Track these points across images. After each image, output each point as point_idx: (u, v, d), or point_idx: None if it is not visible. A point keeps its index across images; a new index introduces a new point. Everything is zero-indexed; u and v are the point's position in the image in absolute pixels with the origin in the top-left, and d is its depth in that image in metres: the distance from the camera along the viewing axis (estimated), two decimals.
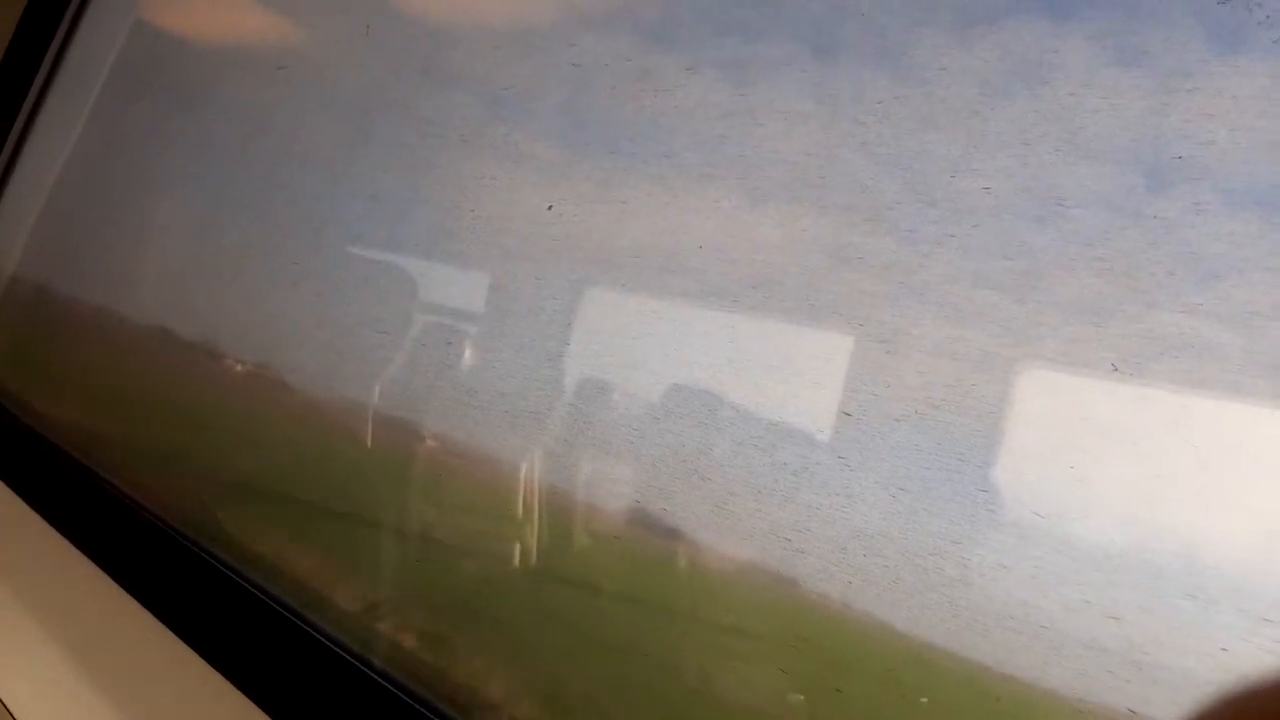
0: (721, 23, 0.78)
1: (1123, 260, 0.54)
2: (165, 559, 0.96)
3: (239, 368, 1.14)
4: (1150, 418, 0.53)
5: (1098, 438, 0.53)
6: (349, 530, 0.92)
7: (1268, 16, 0.54)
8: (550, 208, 0.83)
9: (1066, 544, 0.52)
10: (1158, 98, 0.56)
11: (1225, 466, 0.50)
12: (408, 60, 1.03)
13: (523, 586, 0.80)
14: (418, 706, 0.73)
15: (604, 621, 0.72)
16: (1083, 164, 0.56)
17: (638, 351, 0.73)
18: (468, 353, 0.84)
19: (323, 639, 0.80)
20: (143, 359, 1.29)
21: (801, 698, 0.59)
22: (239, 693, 0.78)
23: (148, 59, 1.62)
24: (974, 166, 0.61)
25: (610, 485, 0.71)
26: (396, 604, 0.85)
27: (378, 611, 0.85)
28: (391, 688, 0.75)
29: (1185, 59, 0.56)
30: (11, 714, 0.84)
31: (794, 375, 0.64)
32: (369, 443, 0.94)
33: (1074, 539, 0.52)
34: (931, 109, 0.64)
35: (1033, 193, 0.58)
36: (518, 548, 0.80)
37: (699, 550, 0.66)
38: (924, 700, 0.55)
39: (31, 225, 1.72)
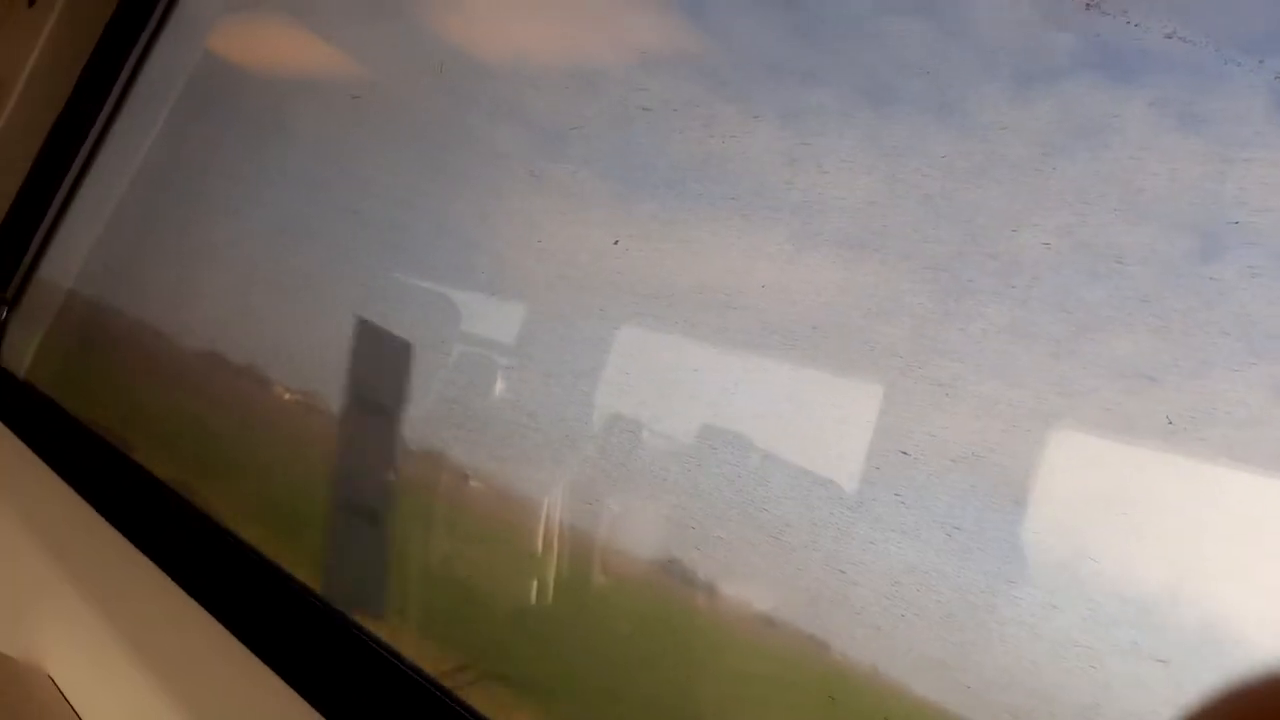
0: (788, 74, 0.82)
1: (1179, 320, 0.56)
2: (221, 559, 0.99)
3: (286, 395, 1.18)
4: (1200, 475, 0.55)
5: (1150, 488, 0.56)
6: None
7: None
8: (616, 242, 0.87)
9: (1117, 588, 0.54)
10: (1215, 165, 0.59)
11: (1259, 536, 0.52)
12: (479, 97, 1.07)
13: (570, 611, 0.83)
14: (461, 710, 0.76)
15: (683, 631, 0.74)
16: (1142, 224, 0.59)
17: (697, 383, 0.76)
18: (529, 378, 0.88)
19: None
20: (201, 380, 1.33)
21: None
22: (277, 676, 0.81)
23: (217, 85, 1.69)
24: (1034, 222, 0.63)
25: (666, 512, 0.74)
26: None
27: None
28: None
29: (1243, 129, 0.58)
30: (74, 708, 0.87)
31: (852, 413, 0.66)
32: (411, 465, 0.97)
33: (1125, 584, 0.54)
34: (993, 165, 0.67)
35: (1092, 249, 0.60)
36: (552, 574, 0.83)
37: (749, 579, 0.68)
38: None
39: (92, 243, 1.78)
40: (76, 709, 0.86)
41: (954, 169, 0.68)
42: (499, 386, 0.89)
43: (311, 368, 1.15)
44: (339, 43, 1.41)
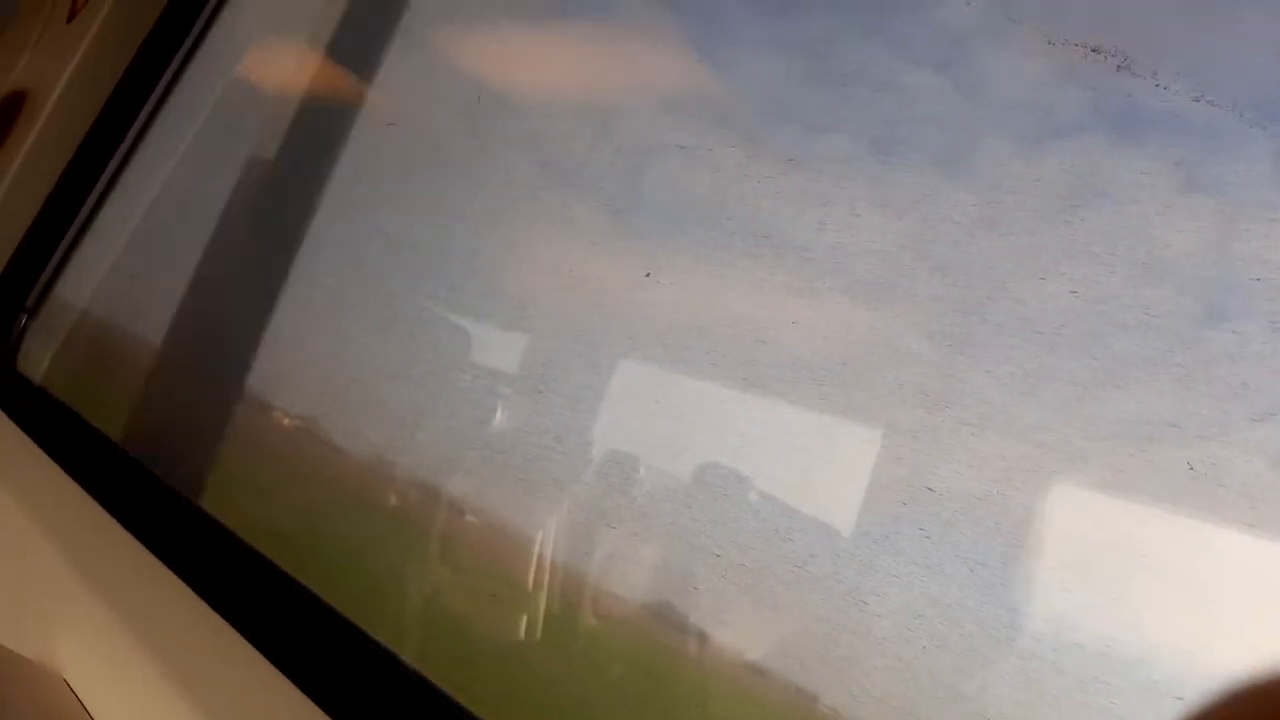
0: (826, 121, 0.85)
1: (1203, 370, 0.59)
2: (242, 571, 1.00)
3: (287, 421, 1.20)
4: (1220, 522, 0.57)
5: (1171, 533, 0.58)
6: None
7: None
8: (648, 274, 0.89)
9: (1138, 627, 0.56)
10: (1239, 224, 0.62)
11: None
12: (516, 129, 1.10)
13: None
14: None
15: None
16: (1168, 278, 0.61)
17: (724, 414, 0.78)
18: (556, 402, 0.89)
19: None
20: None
21: None
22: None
23: (249, 104, 1.73)
24: (1062, 271, 0.66)
25: (701, 540, 0.75)
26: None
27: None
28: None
29: (1265, 192, 0.61)
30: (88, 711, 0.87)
31: (881, 448, 0.68)
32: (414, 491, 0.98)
33: (1144, 623, 0.56)
34: (1025, 215, 0.70)
35: (1120, 300, 0.63)
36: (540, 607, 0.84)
37: (774, 608, 0.69)
38: None
39: (112, 262, 1.80)
40: (92, 714, 0.86)
41: (985, 217, 0.71)
42: (523, 409, 0.91)
43: (315, 393, 1.17)
44: (373, 70, 1.44)
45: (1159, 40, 0.68)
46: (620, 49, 1.10)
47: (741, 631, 0.73)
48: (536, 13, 1.23)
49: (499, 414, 0.93)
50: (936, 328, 0.70)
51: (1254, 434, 0.57)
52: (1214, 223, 0.63)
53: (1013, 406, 0.64)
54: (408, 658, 0.87)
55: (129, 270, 1.70)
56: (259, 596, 0.98)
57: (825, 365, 0.74)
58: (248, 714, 0.83)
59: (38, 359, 1.67)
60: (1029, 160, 0.73)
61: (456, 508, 0.96)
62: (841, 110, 0.83)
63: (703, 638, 0.75)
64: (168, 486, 1.22)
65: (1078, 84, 0.73)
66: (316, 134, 1.42)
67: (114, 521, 1.13)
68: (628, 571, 0.82)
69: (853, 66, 0.87)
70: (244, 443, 1.30)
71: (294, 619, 0.94)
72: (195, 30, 1.94)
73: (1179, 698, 0.53)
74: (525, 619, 0.86)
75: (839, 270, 0.77)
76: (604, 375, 0.88)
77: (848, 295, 0.76)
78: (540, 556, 0.86)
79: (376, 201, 1.22)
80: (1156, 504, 0.57)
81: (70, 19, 2.08)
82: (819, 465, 0.71)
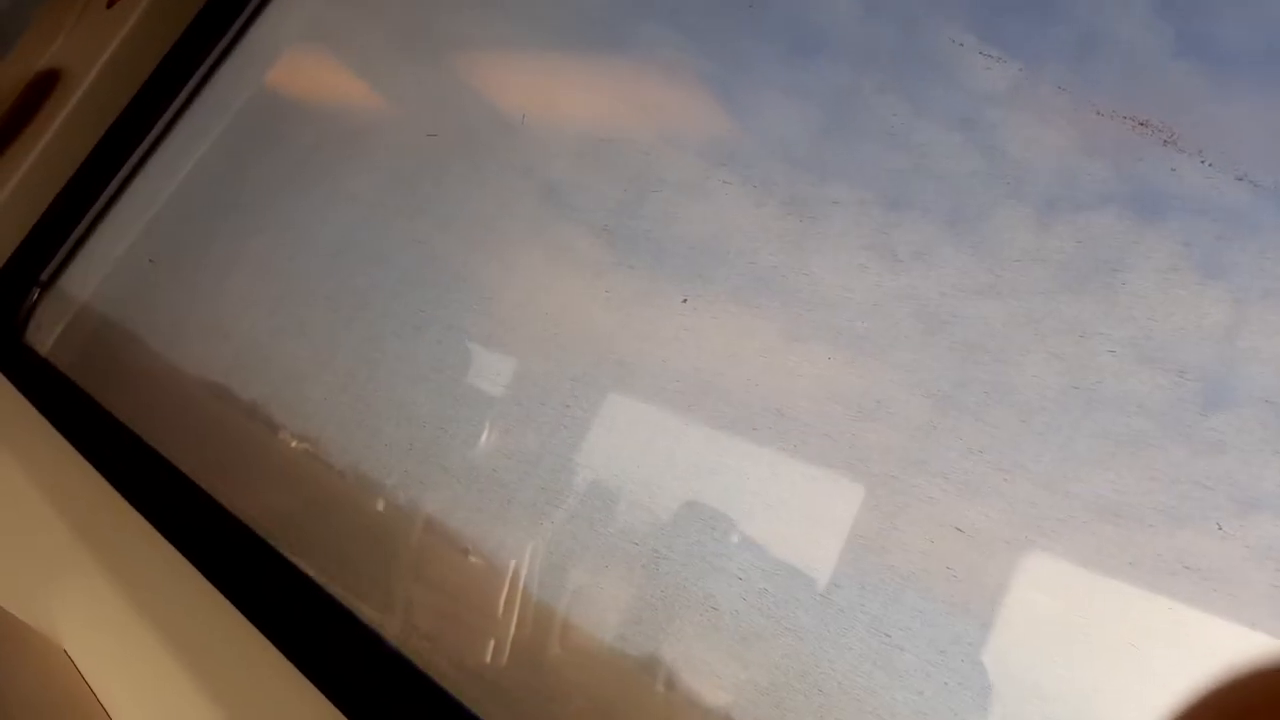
0: (872, 170, 0.88)
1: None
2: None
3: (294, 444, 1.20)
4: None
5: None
6: None
7: None
8: (684, 300, 0.91)
9: (1152, 672, 0.57)
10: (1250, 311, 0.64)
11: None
12: (559, 151, 1.13)
13: None
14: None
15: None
16: (1206, 343, 0.64)
17: (755, 440, 0.80)
18: (585, 418, 0.91)
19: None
20: None
21: None
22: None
23: (286, 104, 1.75)
24: (1100, 331, 0.68)
25: (722, 577, 0.77)
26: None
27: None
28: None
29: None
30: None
31: (910, 487, 0.70)
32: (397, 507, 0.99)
33: (1166, 674, 0.57)
34: (1069, 273, 0.72)
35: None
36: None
37: (796, 635, 0.70)
38: None
39: (129, 245, 1.81)
40: (92, 686, 0.85)
41: (1029, 273, 0.74)
42: (553, 419, 0.92)
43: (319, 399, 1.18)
44: (416, 80, 1.47)
45: (1209, 119, 0.71)
46: (669, 83, 1.13)
47: (712, 678, 0.74)
48: (562, 39, 1.27)
49: (522, 419, 0.95)
50: (971, 375, 0.72)
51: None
52: (1226, 308, 0.66)
53: (1046, 456, 0.66)
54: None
55: (146, 254, 1.70)
56: (258, 574, 0.99)
57: (863, 403, 0.76)
58: (246, 689, 0.83)
59: (47, 333, 1.67)
60: (1042, 229, 0.76)
61: (431, 526, 0.98)
62: (889, 163, 0.86)
63: (670, 681, 0.76)
64: (171, 464, 1.22)
65: (1114, 155, 0.77)
66: (356, 136, 1.44)
67: (118, 496, 1.13)
68: (599, 606, 0.83)
69: (873, 120, 0.90)
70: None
71: (291, 599, 0.95)
72: (236, 25, 1.97)
73: None
74: (492, 644, 0.87)
75: (877, 312, 0.79)
76: (632, 395, 0.90)
77: (886, 338, 0.78)
78: (511, 584, 0.88)
79: (414, 210, 1.24)
80: (1186, 562, 0.59)
81: (110, 4, 2.10)
82: (848, 498, 0.73)
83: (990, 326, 0.74)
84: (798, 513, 0.75)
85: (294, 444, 1.20)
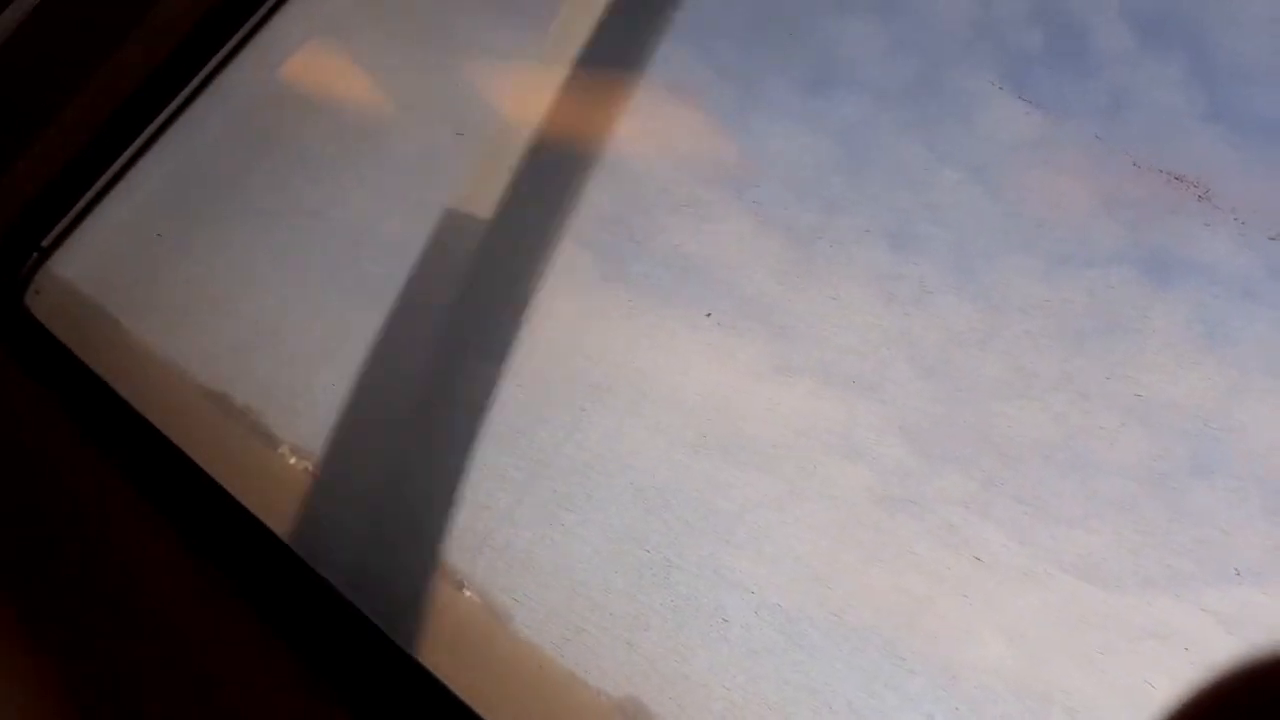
0: (902, 200, 0.89)
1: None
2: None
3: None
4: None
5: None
6: None
7: None
8: (709, 315, 0.92)
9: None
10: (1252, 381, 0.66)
11: None
12: (589, 161, 1.14)
13: None
14: None
15: None
16: (1238, 395, 0.65)
17: (778, 457, 0.80)
18: (603, 421, 0.91)
19: None
20: None
21: None
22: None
23: (307, 94, 1.75)
24: (1128, 374, 0.70)
25: (735, 591, 0.77)
26: None
27: None
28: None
29: None
30: None
31: (933, 514, 0.71)
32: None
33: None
34: (1088, 317, 0.74)
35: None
36: None
37: (807, 651, 0.71)
38: None
39: (137, 217, 1.79)
40: None
41: (1054, 313, 0.75)
42: (569, 421, 0.93)
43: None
44: (443, 79, 1.48)
45: (1243, 179, 0.73)
46: (700, 105, 1.14)
47: (719, 689, 0.74)
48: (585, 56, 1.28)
49: (539, 421, 0.95)
50: (999, 410, 0.73)
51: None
52: (1227, 378, 0.68)
53: (1067, 493, 0.67)
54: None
55: (155, 230, 1.69)
56: (250, 547, 0.97)
57: (882, 426, 0.77)
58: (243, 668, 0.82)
59: (46, 298, 1.65)
60: (1050, 281, 0.77)
61: None
62: (925, 196, 0.88)
63: (675, 690, 0.76)
64: (166, 438, 1.21)
65: (1149, 207, 0.78)
66: (379, 128, 1.44)
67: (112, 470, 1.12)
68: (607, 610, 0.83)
69: (887, 156, 0.92)
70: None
71: (287, 578, 0.94)
72: (256, 17, 1.97)
73: None
74: (492, 643, 0.86)
75: (904, 339, 0.80)
76: (652, 404, 0.90)
77: (911, 367, 0.79)
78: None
79: (435, 206, 1.24)
80: (1203, 605, 0.60)
81: None
82: (871, 519, 0.73)
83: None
84: (814, 532, 0.76)
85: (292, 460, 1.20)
